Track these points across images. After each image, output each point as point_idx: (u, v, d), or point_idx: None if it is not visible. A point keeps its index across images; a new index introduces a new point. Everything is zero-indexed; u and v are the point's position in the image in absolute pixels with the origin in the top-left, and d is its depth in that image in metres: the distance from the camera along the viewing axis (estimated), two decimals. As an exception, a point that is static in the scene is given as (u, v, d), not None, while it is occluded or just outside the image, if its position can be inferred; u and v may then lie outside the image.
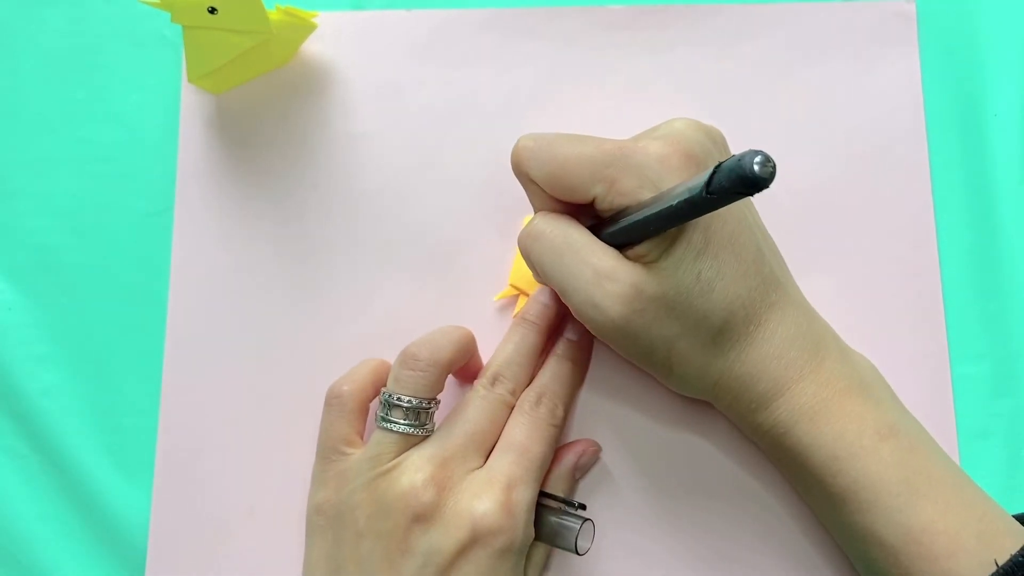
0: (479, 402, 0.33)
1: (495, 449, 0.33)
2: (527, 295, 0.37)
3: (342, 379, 0.35)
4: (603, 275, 0.30)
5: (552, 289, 0.36)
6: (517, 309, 0.38)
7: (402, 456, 0.32)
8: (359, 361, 0.36)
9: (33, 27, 0.42)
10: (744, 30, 0.40)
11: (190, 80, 0.39)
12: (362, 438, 0.34)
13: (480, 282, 0.39)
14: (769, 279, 0.31)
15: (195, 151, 0.40)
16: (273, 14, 0.37)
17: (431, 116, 0.40)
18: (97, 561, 0.37)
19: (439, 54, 0.41)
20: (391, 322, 0.38)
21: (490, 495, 0.31)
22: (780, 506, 0.36)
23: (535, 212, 0.33)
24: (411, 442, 0.33)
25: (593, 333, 0.32)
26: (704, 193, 0.24)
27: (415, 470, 0.31)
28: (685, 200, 0.25)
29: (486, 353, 0.36)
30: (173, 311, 0.39)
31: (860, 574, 0.33)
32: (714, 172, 0.23)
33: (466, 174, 0.40)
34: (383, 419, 0.32)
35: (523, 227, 0.33)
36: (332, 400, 0.34)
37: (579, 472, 0.36)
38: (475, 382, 0.34)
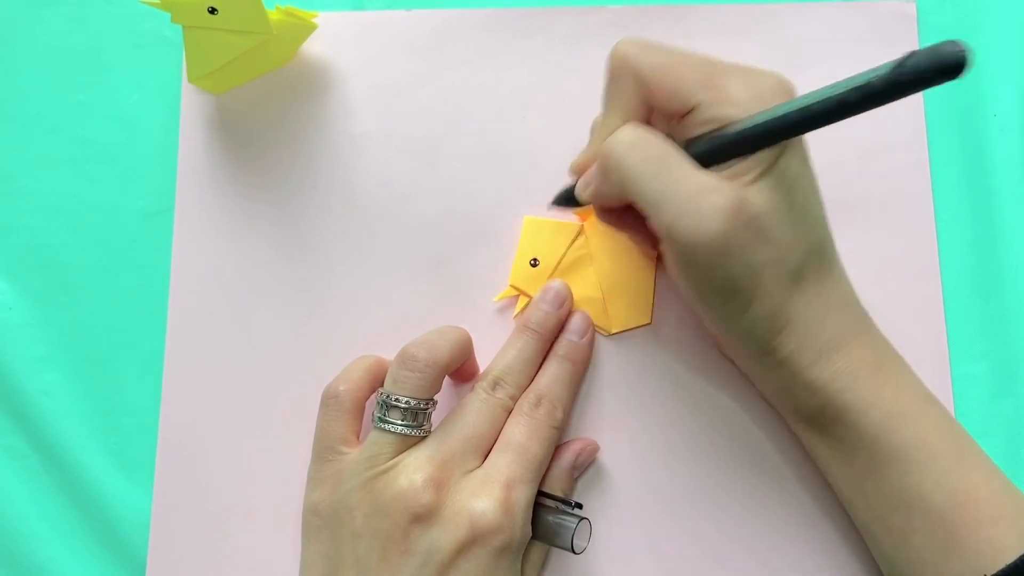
0: (479, 405, 0.33)
1: (494, 449, 0.33)
2: (528, 296, 0.37)
3: (338, 378, 0.35)
4: (707, 187, 0.28)
5: (555, 294, 0.36)
6: (517, 310, 0.38)
7: (399, 456, 0.32)
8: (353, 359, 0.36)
9: (33, 27, 0.42)
10: (744, 30, 0.40)
11: (190, 80, 0.39)
12: (358, 437, 0.34)
13: (480, 283, 0.39)
14: (829, 231, 0.32)
15: (195, 151, 0.40)
16: (273, 14, 0.37)
17: (431, 116, 0.40)
18: (97, 561, 0.37)
19: (439, 54, 0.41)
20: (391, 322, 0.38)
21: (489, 494, 0.31)
22: (780, 506, 0.36)
23: (612, 124, 0.32)
24: (409, 443, 0.32)
25: (678, 255, 0.30)
26: (894, 74, 0.24)
27: (413, 470, 0.31)
28: (860, 87, 0.25)
29: (485, 353, 0.36)
30: (173, 311, 0.39)
31: (883, 557, 0.33)
32: (907, 56, 0.24)
33: (466, 174, 0.40)
34: (380, 419, 0.32)
35: (610, 136, 0.31)
36: (329, 400, 0.34)
37: (577, 471, 0.36)
38: (475, 384, 0.34)
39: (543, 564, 0.36)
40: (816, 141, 0.39)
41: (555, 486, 0.35)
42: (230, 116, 0.40)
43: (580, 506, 0.34)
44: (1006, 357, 0.38)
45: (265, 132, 0.40)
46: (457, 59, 0.41)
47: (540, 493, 0.34)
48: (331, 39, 0.41)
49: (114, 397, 0.39)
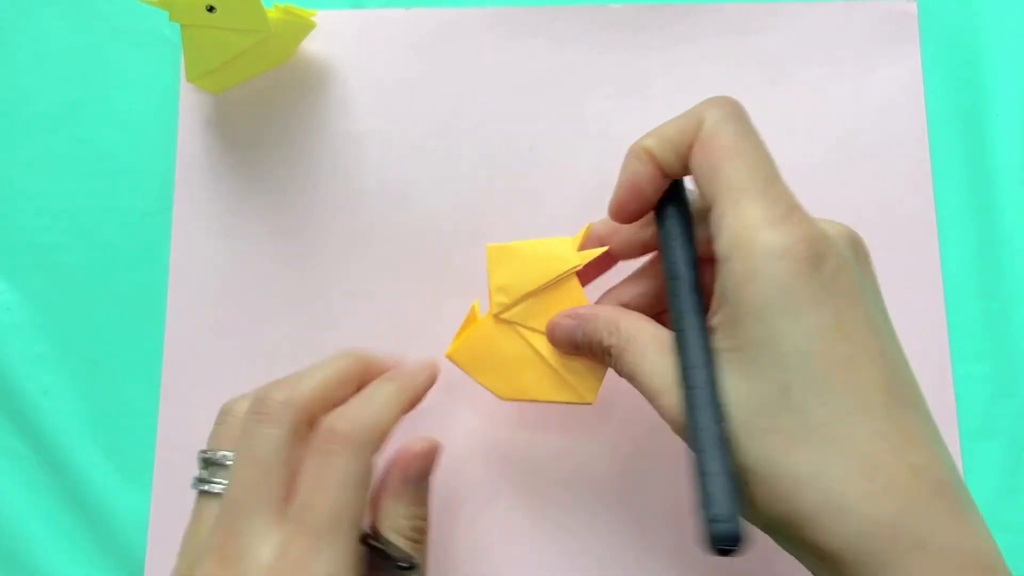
0: None
1: None
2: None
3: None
4: None
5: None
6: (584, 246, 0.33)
7: None
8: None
9: (32, 27, 0.42)
10: (744, 29, 0.40)
11: (189, 79, 0.39)
12: None
13: (480, 282, 0.39)
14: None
15: (194, 150, 0.40)
16: (272, 13, 0.37)
17: (430, 115, 0.40)
18: (95, 562, 0.37)
19: (439, 53, 0.41)
20: (391, 322, 0.38)
21: None
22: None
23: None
24: None
25: None
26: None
27: None
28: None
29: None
30: (173, 311, 0.39)
31: None
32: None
33: (465, 174, 0.40)
34: None
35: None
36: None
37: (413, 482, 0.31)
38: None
39: None
40: (817, 140, 0.39)
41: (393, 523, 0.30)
42: (229, 115, 0.40)
43: (413, 567, 0.28)
44: (1007, 357, 0.38)
45: (264, 131, 0.40)
46: (457, 58, 0.41)
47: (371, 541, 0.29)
48: (330, 37, 0.41)
49: (113, 397, 0.39)
